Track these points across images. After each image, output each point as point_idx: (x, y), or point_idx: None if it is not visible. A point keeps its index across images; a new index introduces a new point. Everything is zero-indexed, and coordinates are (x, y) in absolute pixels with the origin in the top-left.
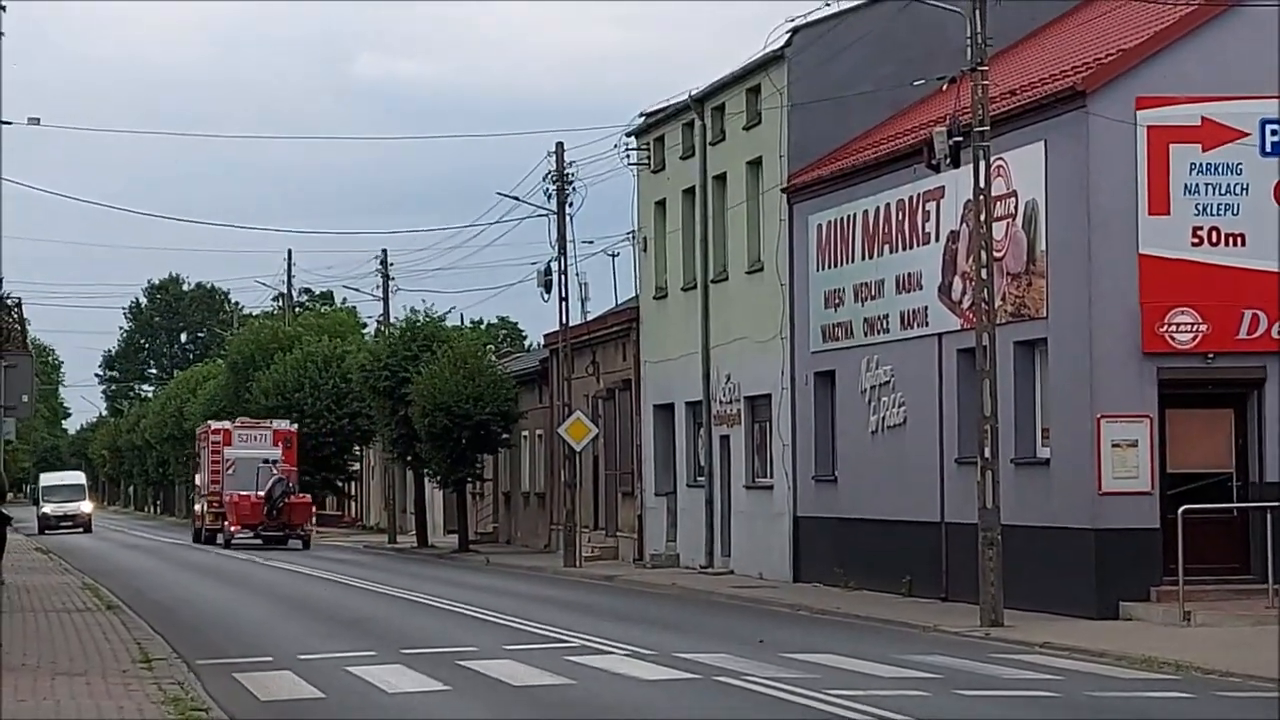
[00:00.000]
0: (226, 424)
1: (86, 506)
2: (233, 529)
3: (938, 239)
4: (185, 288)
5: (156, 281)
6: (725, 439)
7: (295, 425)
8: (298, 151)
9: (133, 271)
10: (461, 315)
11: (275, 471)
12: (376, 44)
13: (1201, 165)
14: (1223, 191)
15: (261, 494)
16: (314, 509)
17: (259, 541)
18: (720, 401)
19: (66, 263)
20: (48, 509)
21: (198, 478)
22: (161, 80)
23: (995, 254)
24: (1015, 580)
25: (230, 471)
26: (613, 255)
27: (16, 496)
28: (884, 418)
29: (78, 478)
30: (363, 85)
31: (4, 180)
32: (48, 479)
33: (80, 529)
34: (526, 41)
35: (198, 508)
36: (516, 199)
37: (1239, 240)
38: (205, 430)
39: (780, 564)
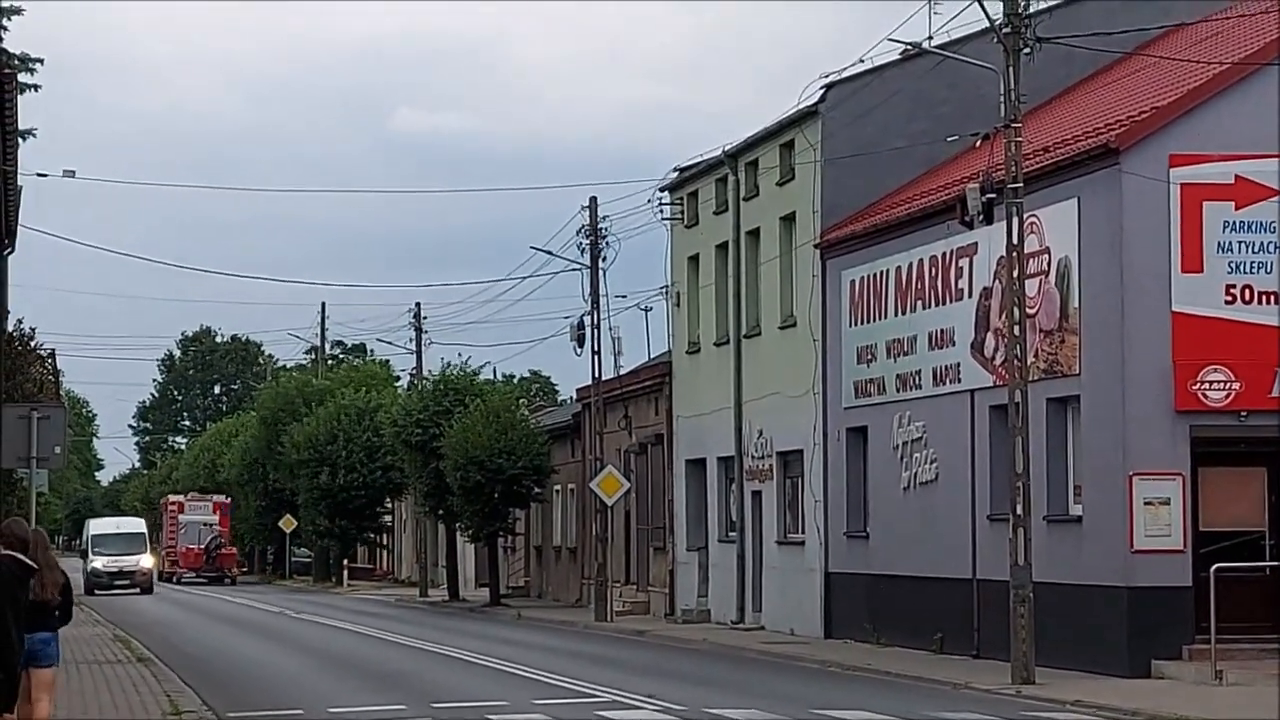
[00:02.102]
0: (181, 497)
1: (147, 561)
2: (182, 570)
3: (970, 295)
4: (219, 340)
5: (190, 334)
6: (757, 494)
7: (229, 499)
8: (333, 204)
9: (167, 324)
10: (494, 369)
11: (212, 531)
12: (413, 98)
13: (1234, 223)
14: (1256, 249)
15: (201, 547)
16: (238, 557)
17: (203, 580)
18: (752, 456)
19: (101, 315)
20: (98, 564)
21: (162, 535)
22: (199, 134)
23: (1028, 311)
24: (1047, 638)
25: (183, 532)
26: (646, 309)
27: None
28: (916, 474)
29: (136, 525)
30: (399, 139)
31: (38, 231)
32: (98, 526)
33: (137, 589)
34: (562, 95)
35: (160, 555)
36: (550, 253)
37: (1272, 298)
38: (166, 502)
39: (812, 620)
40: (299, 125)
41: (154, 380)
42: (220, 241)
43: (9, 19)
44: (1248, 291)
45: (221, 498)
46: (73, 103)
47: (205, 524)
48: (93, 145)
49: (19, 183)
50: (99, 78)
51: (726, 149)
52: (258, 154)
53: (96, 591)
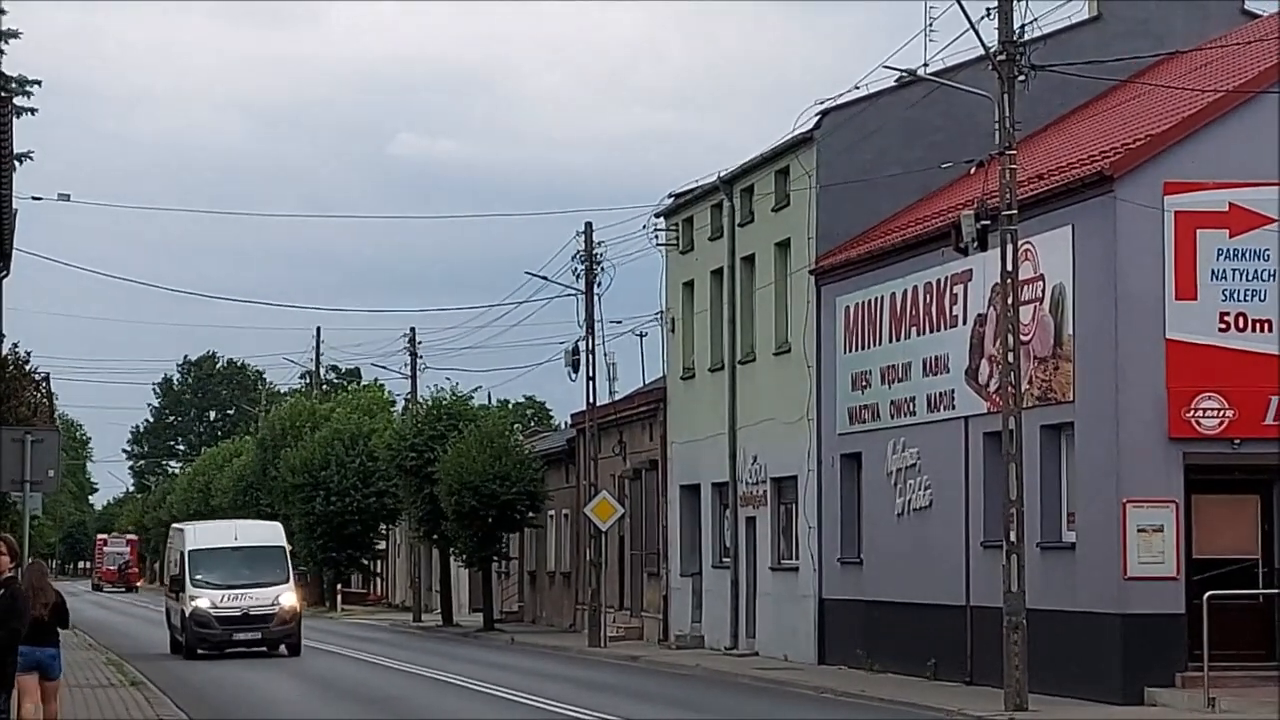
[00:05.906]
0: (105, 535)
1: (289, 597)
2: (104, 583)
3: (965, 322)
4: (218, 365)
5: (193, 358)
6: (751, 520)
7: (136, 535)
8: (330, 229)
9: (162, 348)
10: (489, 394)
11: (123, 558)
12: (413, 123)
13: (1228, 251)
14: (1250, 277)
15: (116, 568)
16: (140, 576)
17: (119, 589)
18: (746, 483)
19: (96, 339)
20: (202, 603)
21: (96, 561)
22: (199, 159)
23: (1022, 338)
24: (1040, 665)
25: (107, 558)
26: (640, 335)
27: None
28: (910, 500)
29: (269, 532)
30: (398, 164)
31: (33, 254)
32: (201, 536)
33: (270, 646)
34: (560, 121)
35: (94, 575)
36: (545, 279)
37: (1266, 326)
38: (98, 539)
39: (805, 646)
40: (299, 150)
41: (150, 404)
42: (216, 266)
43: (6, 42)
44: (1242, 319)
45: (132, 535)
46: (71, 126)
47: (119, 553)
48: (91, 170)
49: (14, 205)
50: (98, 102)
51: (722, 175)
52: (256, 179)
53: (201, 651)
